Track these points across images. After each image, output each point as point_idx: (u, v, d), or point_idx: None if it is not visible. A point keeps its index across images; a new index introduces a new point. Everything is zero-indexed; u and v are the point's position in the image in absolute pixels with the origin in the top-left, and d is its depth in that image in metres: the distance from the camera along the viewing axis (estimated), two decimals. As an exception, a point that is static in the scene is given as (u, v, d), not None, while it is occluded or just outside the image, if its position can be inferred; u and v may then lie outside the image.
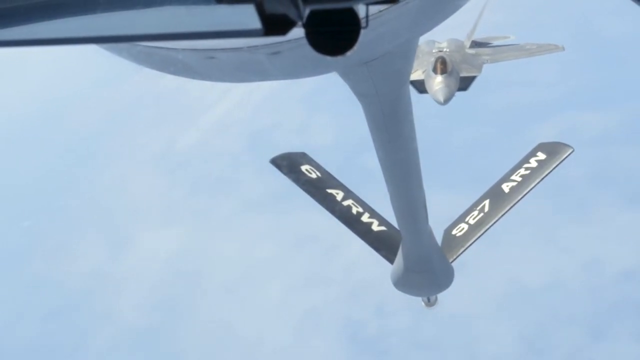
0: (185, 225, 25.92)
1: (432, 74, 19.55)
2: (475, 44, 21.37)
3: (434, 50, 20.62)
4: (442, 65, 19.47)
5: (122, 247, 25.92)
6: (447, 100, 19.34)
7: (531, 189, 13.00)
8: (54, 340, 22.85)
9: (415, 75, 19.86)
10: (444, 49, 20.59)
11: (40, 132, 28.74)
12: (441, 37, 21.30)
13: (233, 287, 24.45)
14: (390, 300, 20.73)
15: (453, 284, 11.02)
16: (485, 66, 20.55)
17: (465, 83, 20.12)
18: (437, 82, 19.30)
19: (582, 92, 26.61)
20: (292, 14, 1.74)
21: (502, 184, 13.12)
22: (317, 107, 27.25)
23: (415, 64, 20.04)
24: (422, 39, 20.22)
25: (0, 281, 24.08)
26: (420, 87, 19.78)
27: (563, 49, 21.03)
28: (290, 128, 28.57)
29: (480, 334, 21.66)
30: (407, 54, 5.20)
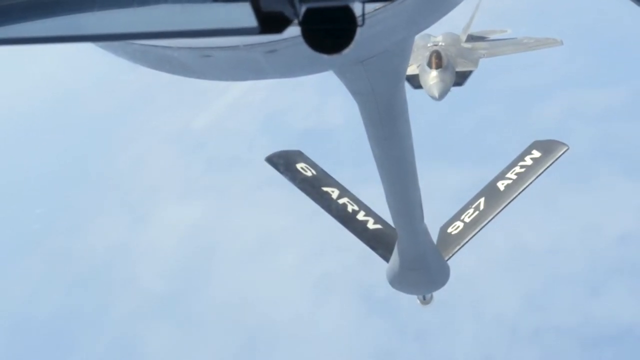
0: (203, 199, 27.24)
1: (427, 68, 19.11)
2: (472, 38, 20.98)
3: (428, 44, 20.24)
4: (437, 60, 19.05)
5: (142, 220, 27.45)
6: (442, 95, 18.96)
7: (526, 187, 13.02)
8: (81, 305, 24.61)
9: (409, 70, 19.47)
10: (439, 43, 20.21)
11: (63, 117, 29.63)
12: (436, 31, 20.86)
13: (250, 255, 25.74)
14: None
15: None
16: (481, 60, 20.17)
17: (461, 78, 19.72)
18: (432, 77, 18.90)
19: (583, 72, 27.37)
20: (288, 12, 1.73)
21: (497, 182, 13.13)
22: (331, 89, 26.71)
23: (410, 58, 20.59)
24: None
25: (30, 253, 25.74)
26: (415, 82, 19.36)
27: (561, 43, 20.74)
28: (305, 110, 29.20)
29: (485, 294, 23.15)
30: (403, 52, 5.20)
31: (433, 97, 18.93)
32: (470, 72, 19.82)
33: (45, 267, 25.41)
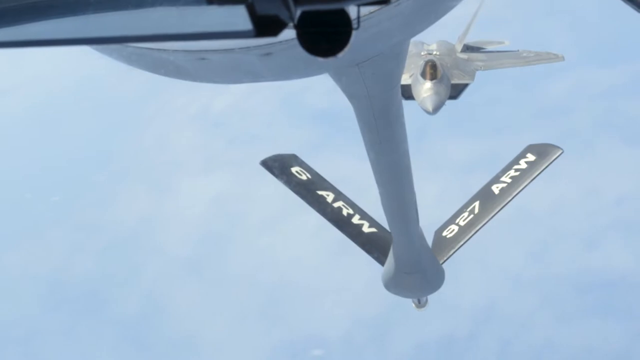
0: (225, 173, 29.03)
1: (421, 79, 17.89)
2: (467, 48, 19.76)
3: (422, 53, 18.96)
4: (432, 70, 17.84)
5: (167, 192, 29.46)
6: (436, 109, 17.78)
7: (521, 191, 13.04)
8: (111, 271, 26.73)
9: (401, 80, 19.33)
10: (434, 52, 18.95)
11: (90, 100, 30.76)
12: (429, 38, 19.69)
13: (272, 222, 27.56)
14: None
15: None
16: (478, 73, 18.92)
17: (456, 90, 18.52)
18: (425, 89, 17.71)
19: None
20: (283, 15, 1.72)
21: (492, 185, 13.14)
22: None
23: None
24: (410, 40, 20.62)
25: (60, 224, 27.79)
26: (407, 92, 18.03)
27: (563, 58, 19.63)
28: (323, 90, 29.60)
29: (490, 251, 24.63)
30: (398, 55, 5.20)
31: (426, 111, 17.87)
32: (465, 85, 18.74)
33: (80, 236, 27.63)
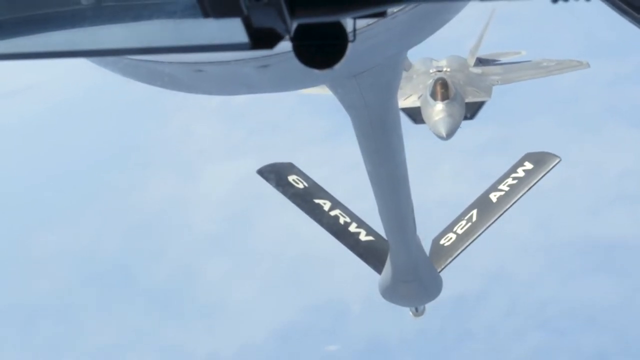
0: (247, 158, 29.99)
1: (431, 100, 16.04)
2: (480, 62, 17.96)
3: (431, 71, 17.06)
4: (442, 89, 16.03)
5: (193, 177, 31.40)
6: (450, 133, 15.84)
7: (519, 199, 13.01)
8: (143, 245, 28.78)
9: (409, 102, 16.40)
10: (444, 69, 17.04)
11: (115, 94, 31.07)
12: (438, 53, 17.63)
13: (287, 205, 29.21)
14: (427, 203, 25.54)
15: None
16: (495, 88, 17.11)
17: (471, 110, 16.63)
18: (437, 111, 15.83)
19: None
20: (279, 28, 1.72)
21: (489, 193, 13.10)
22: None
23: (409, 87, 16.46)
24: (418, 57, 17.02)
25: (96, 205, 30.06)
26: (416, 116, 16.45)
27: (588, 65, 17.97)
28: None
29: (500, 221, 26.09)
30: (395, 66, 5.21)
31: (439, 136, 15.93)
32: (482, 104, 16.86)
33: (113, 217, 29.87)
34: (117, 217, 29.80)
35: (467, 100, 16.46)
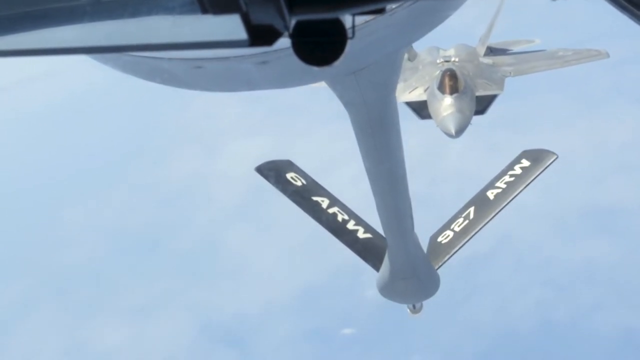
0: (267, 136, 32.05)
1: (438, 93, 14.56)
2: (491, 51, 16.63)
3: (438, 61, 15.59)
4: (451, 82, 14.55)
5: (216, 154, 33.84)
6: (460, 130, 14.36)
7: (516, 196, 13.02)
8: (170, 217, 31.11)
9: (414, 95, 14.95)
10: (452, 59, 15.59)
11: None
12: (446, 42, 16.03)
13: (312, 172, 30.35)
14: (439, 174, 28.94)
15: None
16: (507, 80, 15.59)
17: (482, 104, 15.17)
18: (445, 106, 14.37)
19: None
20: (278, 24, 1.71)
21: (487, 191, 13.11)
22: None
23: (414, 78, 15.10)
24: (424, 46, 15.92)
25: (128, 180, 32.13)
26: (422, 110, 15.08)
27: (607, 55, 16.51)
28: None
29: None
30: (394, 63, 5.21)
31: (448, 133, 14.48)
32: (493, 97, 15.38)
33: (138, 190, 32.13)
34: (147, 191, 32.29)
35: (477, 94, 15.01)
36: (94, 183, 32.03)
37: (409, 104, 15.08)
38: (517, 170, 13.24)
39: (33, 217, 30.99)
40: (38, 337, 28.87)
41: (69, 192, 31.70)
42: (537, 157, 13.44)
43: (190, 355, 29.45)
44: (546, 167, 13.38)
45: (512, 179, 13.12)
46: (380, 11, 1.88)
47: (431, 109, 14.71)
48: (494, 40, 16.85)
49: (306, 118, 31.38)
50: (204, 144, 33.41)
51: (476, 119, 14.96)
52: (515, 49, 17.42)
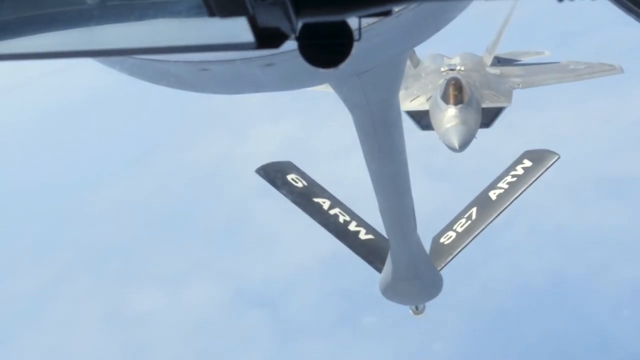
0: (291, 120, 34.65)
1: (442, 103, 13.79)
2: (499, 61, 15.83)
3: (442, 69, 14.88)
4: (456, 92, 13.75)
5: (241, 136, 35.83)
6: (464, 144, 13.56)
7: (518, 196, 13.01)
8: (199, 195, 33.21)
9: (416, 104, 14.20)
10: (457, 67, 14.87)
11: None
12: (450, 49, 15.26)
13: (330, 155, 31.76)
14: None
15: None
16: (515, 92, 14.76)
17: (487, 117, 14.34)
18: (449, 117, 13.57)
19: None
20: (284, 27, 1.71)
21: (489, 191, 13.08)
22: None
23: (416, 87, 14.45)
24: (428, 53, 15.46)
25: (160, 161, 34.66)
26: (424, 120, 14.37)
27: (622, 70, 15.77)
28: None
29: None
30: (398, 65, 5.21)
31: (450, 147, 13.69)
32: (500, 110, 14.55)
33: (169, 172, 34.34)
34: (178, 171, 34.50)
35: (483, 105, 14.26)
36: (128, 167, 34.52)
37: (410, 113, 14.34)
38: (519, 170, 13.22)
39: (79, 199, 33.20)
40: (84, 301, 31.36)
41: (109, 175, 34.32)
42: (539, 157, 13.44)
43: (225, 316, 31.50)
44: (548, 167, 13.37)
45: (514, 179, 13.10)
46: (387, 13, 1.88)
47: (433, 120, 14.12)
48: (502, 50, 16.17)
49: (326, 106, 32.81)
50: (230, 127, 35.47)
51: (482, 131, 14.35)
52: (524, 59, 16.70)
